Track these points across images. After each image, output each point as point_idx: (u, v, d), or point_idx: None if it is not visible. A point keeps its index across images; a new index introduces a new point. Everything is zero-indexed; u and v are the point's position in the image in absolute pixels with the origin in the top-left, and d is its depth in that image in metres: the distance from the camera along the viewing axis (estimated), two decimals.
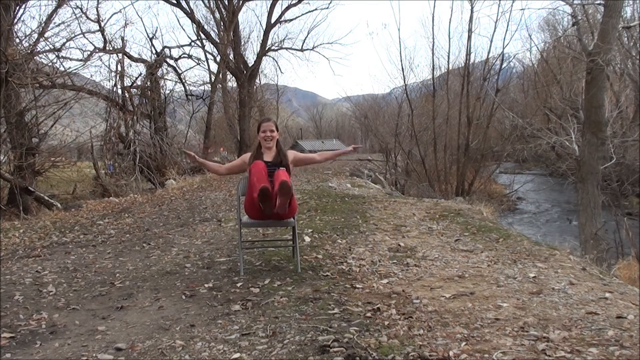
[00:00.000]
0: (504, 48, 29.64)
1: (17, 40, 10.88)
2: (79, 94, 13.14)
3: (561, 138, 11.96)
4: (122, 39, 14.66)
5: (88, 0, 19.34)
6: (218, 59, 19.80)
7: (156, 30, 35.07)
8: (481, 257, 4.09)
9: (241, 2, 19.85)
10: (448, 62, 19.19)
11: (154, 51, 16.76)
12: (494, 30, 25.66)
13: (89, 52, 13.55)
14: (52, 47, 11.73)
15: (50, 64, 12.24)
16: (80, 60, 13.35)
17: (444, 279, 3.50)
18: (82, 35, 13.12)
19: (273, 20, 20.87)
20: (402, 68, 19.25)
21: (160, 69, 16.50)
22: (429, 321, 2.67)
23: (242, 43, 21.47)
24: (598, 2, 10.69)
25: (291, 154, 4.07)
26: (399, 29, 61.31)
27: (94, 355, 2.47)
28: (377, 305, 2.96)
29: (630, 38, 16.83)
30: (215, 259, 4.41)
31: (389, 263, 4.01)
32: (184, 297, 3.37)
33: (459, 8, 28.15)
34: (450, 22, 43.56)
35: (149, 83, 15.53)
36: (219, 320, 2.87)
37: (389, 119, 22.68)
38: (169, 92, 17.54)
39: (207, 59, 20.27)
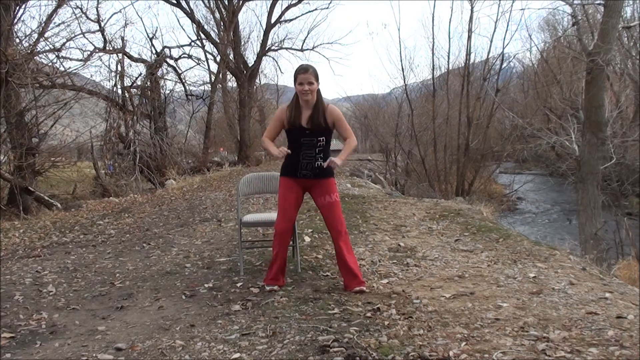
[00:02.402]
0: (504, 48, 29.49)
1: (17, 40, 10.88)
2: (79, 94, 13.14)
3: (561, 138, 11.95)
4: (122, 39, 14.67)
5: (88, 0, 19.32)
6: (218, 59, 19.80)
7: (156, 30, 35.01)
8: (481, 257, 4.09)
9: (241, 2, 19.84)
10: (448, 62, 19.20)
11: (154, 51, 16.78)
12: (494, 30, 25.59)
13: (89, 52, 13.55)
14: (52, 47, 11.73)
15: (50, 64, 12.24)
16: (80, 60, 13.35)
17: (444, 279, 3.50)
18: (82, 35, 13.12)
19: (273, 20, 20.87)
20: (402, 68, 19.24)
21: (160, 69, 16.51)
22: (429, 321, 2.67)
23: (242, 43, 21.47)
24: (598, 2, 10.67)
25: (331, 116, 3.37)
26: (399, 29, 61.10)
27: (94, 355, 2.47)
28: (377, 305, 2.96)
29: (630, 38, 16.81)
30: (215, 259, 4.41)
31: (389, 263, 4.01)
32: (184, 297, 3.37)
33: (459, 8, 27.93)
34: (450, 22, 43.23)
35: (149, 83, 15.54)
36: (219, 320, 2.87)
37: (389, 119, 22.70)
38: (169, 92, 17.57)
39: (207, 59, 20.28)
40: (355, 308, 2.96)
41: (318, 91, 3.36)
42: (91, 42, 17.44)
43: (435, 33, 20.51)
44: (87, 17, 13.51)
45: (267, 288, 3.41)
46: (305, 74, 3.27)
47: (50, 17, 11.80)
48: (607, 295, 3.03)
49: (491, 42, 29.91)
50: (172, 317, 2.97)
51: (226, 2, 19.84)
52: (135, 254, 4.79)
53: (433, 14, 23.78)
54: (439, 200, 8.78)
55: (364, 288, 3.30)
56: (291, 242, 3.80)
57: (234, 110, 21.11)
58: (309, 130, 3.34)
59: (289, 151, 3.36)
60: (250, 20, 62.72)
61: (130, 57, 15.61)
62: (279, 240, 3.42)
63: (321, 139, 3.36)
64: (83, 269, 4.29)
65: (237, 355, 2.38)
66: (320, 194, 3.45)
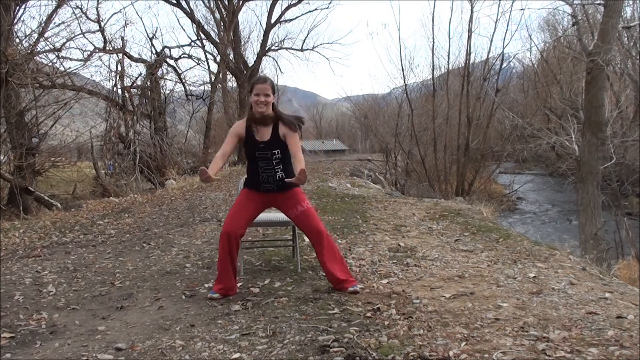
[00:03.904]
0: (504, 48, 29.65)
1: (17, 40, 10.88)
2: (79, 94, 13.14)
3: (561, 138, 11.95)
4: (122, 39, 14.66)
5: (88, 0, 19.32)
6: (218, 59, 19.79)
7: (156, 30, 34.88)
8: (481, 257, 4.09)
9: (241, 2, 19.83)
10: (448, 62, 19.20)
11: (154, 51, 16.75)
12: (494, 30, 25.66)
13: (89, 52, 13.54)
14: (52, 47, 11.72)
15: (50, 64, 12.24)
16: (80, 60, 13.34)
17: (444, 279, 3.50)
18: (82, 35, 13.10)
19: (273, 20, 20.85)
20: (402, 68, 19.22)
21: (160, 69, 16.49)
22: (429, 321, 2.68)
23: (242, 43, 21.44)
24: (598, 2, 10.68)
25: (282, 129, 3.24)
26: (399, 29, 61.34)
27: (94, 355, 2.47)
28: (377, 305, 2.96)
29: (630, 38, 16.82)
30: (215, 259, 4.40)
31: (389, 263, 4.01)
32: (184, 297, 3.37)
33: (459, 8, 28.12)
34: (450, 22, 43.60)
35: (149, 83, 15.53)
36: (219, 320, 2.87)
37: (389, 119, 22.67)
38: (169, 92, 17.53)
39: (207, 59, 20.24)
40: (355, 308, 2.96)
41: (274, 105, 3.25)
42: (91, 42, 17.47)
43: (435, 33, 20.51)
44: (87, 17, 13.50)
45: (214, 295, 3.23)
46: (263, 84, 3.17)
47: (50, 17, 11.80)
48: (607, 295, 3.03)
49: (491, 42, 30.09)
50: (172, 317, 2.97)
51: (226, 2, 19.83)
52: (135, 254, 4.79)
53: (433, 14, 23.81)
54: (439, 200, 8.78)
55: (357, 288, 3.24)
56: (291, 242, 3.79)
57: (234, 110, 21.09)
58: (263, 144, 3.22)
59: (214, 177, 3.12)
60: (250, 20, 62.94)
61: (130, 57, 15.61)
62: (224, 242, 3.22)
63: (276, 151, 3.23)
64: (83, 269, 4.29)
65: (237, 355, 2.37)
66: (290, 207, 3.31)
